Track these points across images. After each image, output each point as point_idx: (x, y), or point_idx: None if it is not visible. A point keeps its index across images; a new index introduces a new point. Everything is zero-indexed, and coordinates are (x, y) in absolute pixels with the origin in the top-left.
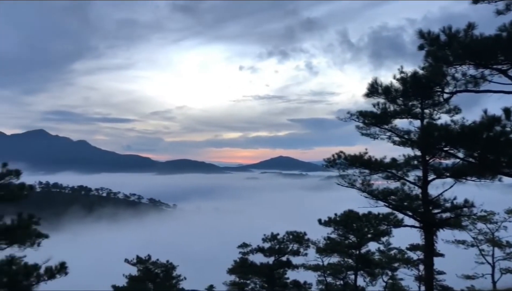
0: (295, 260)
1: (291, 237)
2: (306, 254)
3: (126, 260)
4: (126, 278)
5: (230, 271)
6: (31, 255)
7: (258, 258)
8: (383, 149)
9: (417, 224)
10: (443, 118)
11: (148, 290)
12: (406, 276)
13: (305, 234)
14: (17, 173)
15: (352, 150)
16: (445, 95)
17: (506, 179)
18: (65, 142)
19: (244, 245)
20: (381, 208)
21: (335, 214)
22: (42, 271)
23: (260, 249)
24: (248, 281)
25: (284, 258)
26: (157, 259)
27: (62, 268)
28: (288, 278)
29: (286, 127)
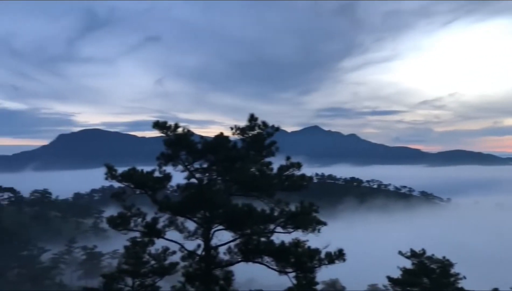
0: None
1: None
2: None
3: (400, 253)
4: (401, 270)
5: None
6: (312, 240)
7: None
8: None
9: None
10: None
11: (424, 285)
12: None
13: None
14: (299, 165)
15: None
16: None
17: None
18: (337, 136)
19: None
20: None
21: None
22: (322, 255)
23: None
24: None
25: None
26: (432, 254)
27: (340, 255)
28: None
29: None
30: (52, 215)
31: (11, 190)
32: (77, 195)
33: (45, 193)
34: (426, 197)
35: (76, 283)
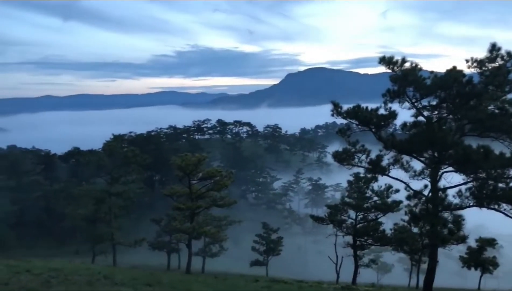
0: None
1: None
2: None
3: None
4: None
5: None
6: None
7: None
8: None
9: None
10: None
11: None
12: None
13: None
14: None
15: None
16: None
17: None
18: None
19: None
20: None
21: None
22: None
23: None
24: None
25: None
26: None
27: None
28: None
29: None
30: (281, 148)
31: (248, 124)
32: (303, 130)
33: (276, 128)
34: None
35: (302, 210)
